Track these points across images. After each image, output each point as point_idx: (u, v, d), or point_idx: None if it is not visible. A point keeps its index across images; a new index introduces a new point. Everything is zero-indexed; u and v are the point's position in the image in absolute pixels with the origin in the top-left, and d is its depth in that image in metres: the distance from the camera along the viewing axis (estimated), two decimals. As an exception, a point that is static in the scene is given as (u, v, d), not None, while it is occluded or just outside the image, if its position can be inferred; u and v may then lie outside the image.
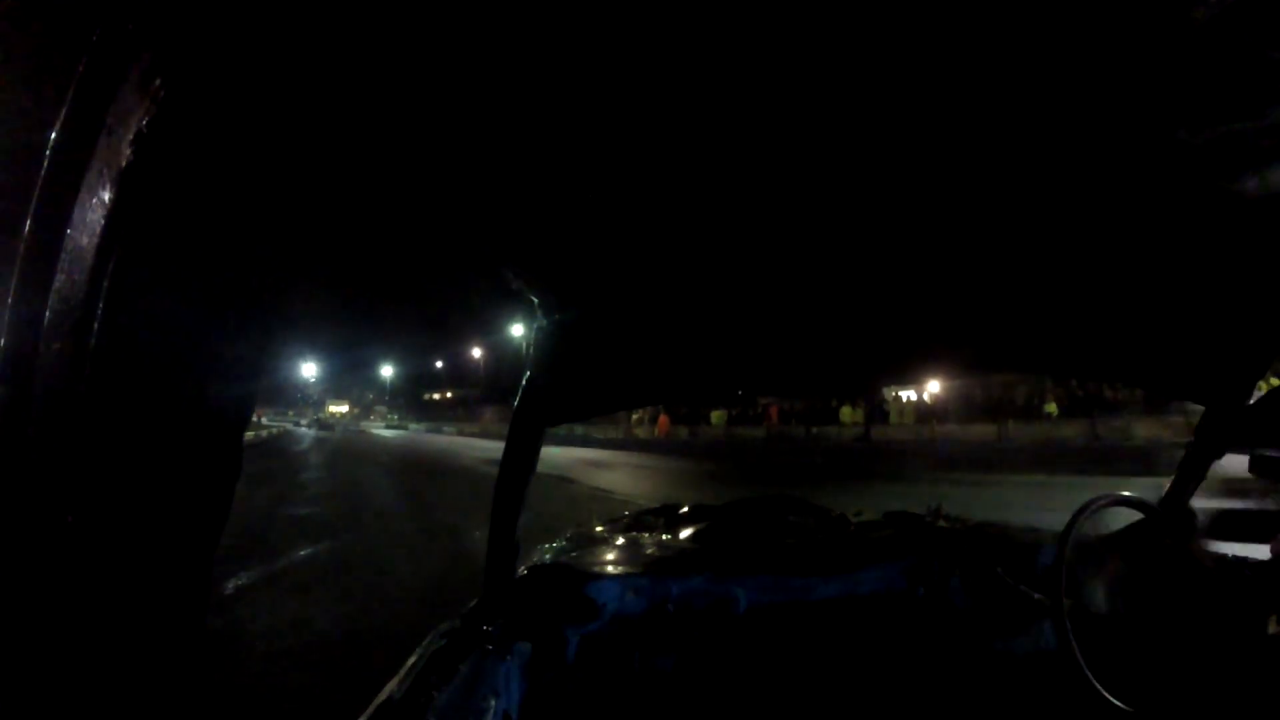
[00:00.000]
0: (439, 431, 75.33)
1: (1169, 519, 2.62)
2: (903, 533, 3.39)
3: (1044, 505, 12.56)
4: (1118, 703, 2.17)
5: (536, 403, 2.48)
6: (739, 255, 2.06)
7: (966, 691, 2.82)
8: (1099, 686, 2.18)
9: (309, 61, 0.81)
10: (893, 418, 29.58)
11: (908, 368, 3.82)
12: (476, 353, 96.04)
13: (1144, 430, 21.35)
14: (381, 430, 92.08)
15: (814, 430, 30.45)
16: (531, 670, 2.60)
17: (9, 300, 0.69)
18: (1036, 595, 2.76)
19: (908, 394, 30.78)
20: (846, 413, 30.02)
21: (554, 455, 32.68)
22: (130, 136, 0.68)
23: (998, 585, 2.89)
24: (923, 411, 29.04)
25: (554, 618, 2.73)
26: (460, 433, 66.70)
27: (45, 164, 0.69)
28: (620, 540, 3.40)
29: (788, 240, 1.97)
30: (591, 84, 1.20)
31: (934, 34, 1.10)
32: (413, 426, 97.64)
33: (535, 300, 2.24)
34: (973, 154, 1.51)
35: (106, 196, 0.69)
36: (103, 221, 0.69)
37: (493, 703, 2.28)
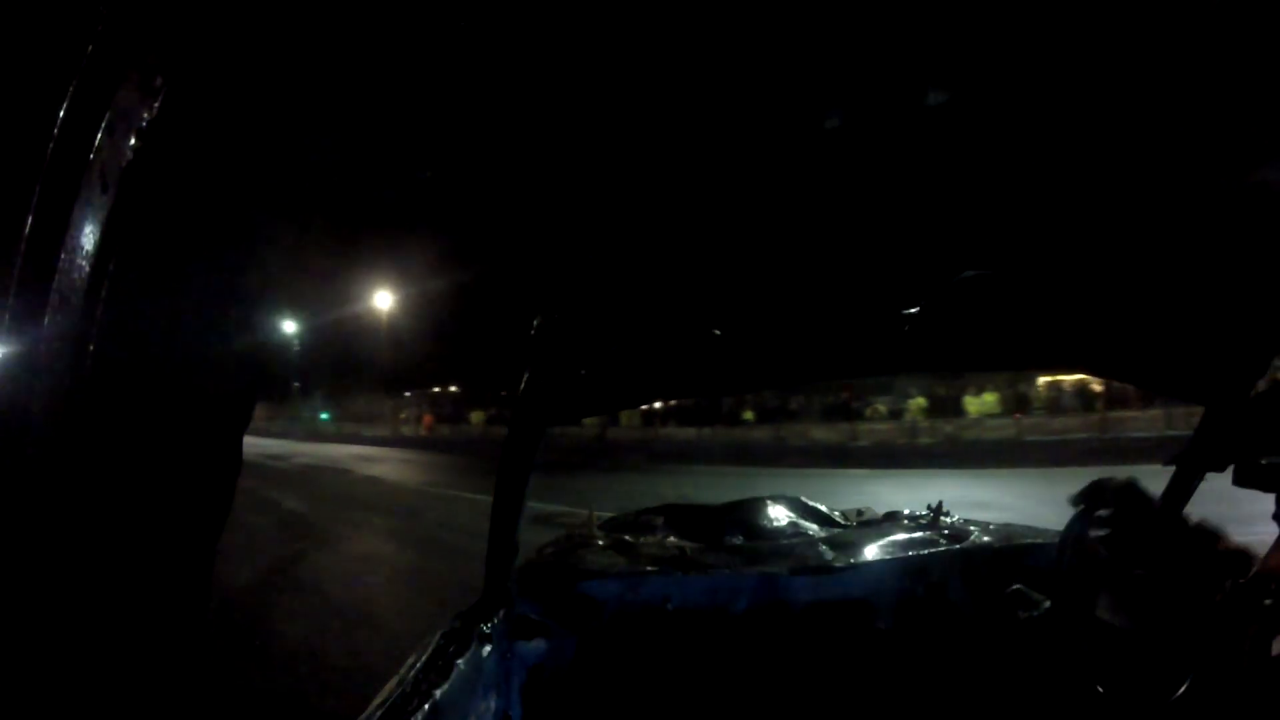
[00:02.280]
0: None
1: (1169, 519, 2.55)
2: (903, 532, 3.38)
3: (716, 486, 16.23)
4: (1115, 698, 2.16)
5: (536, 402, 2.47)
6: (739, 255, 2.01)
7: (966, 691, 2.82)
8: (1099, 685, 2.17)
9: (309, 61, 0.79)
10: (623, 420, 33.41)
11: (906, 365, 3.50)
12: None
13: (819, 434, 27.04)
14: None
15: (557, 430, 32.93)
16: (531, 670, 2.61)
17: (9, 300, 0.66)
18: (1036, 594, 2.70)
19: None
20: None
21: (329, 451, 35.11)
22: (130, 136, 0.67)
23: (997, 585, 2.85)
24: (646, 415, 32.85)
25: (554, 618, 2.74)
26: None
27: (45, 164, 0.67)
28: (620, 540, 3.39)
29: (786, 238, 1.92)
30: (594, 85, 1.15)
31: (938, 31, 1.06)
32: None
33: (535, 300, 2.19)
34: (972, 153, 1.45)
35: (106, 196, 0.67)
36: (103, 221, 0.67)
37: (493, 702, 2.29)
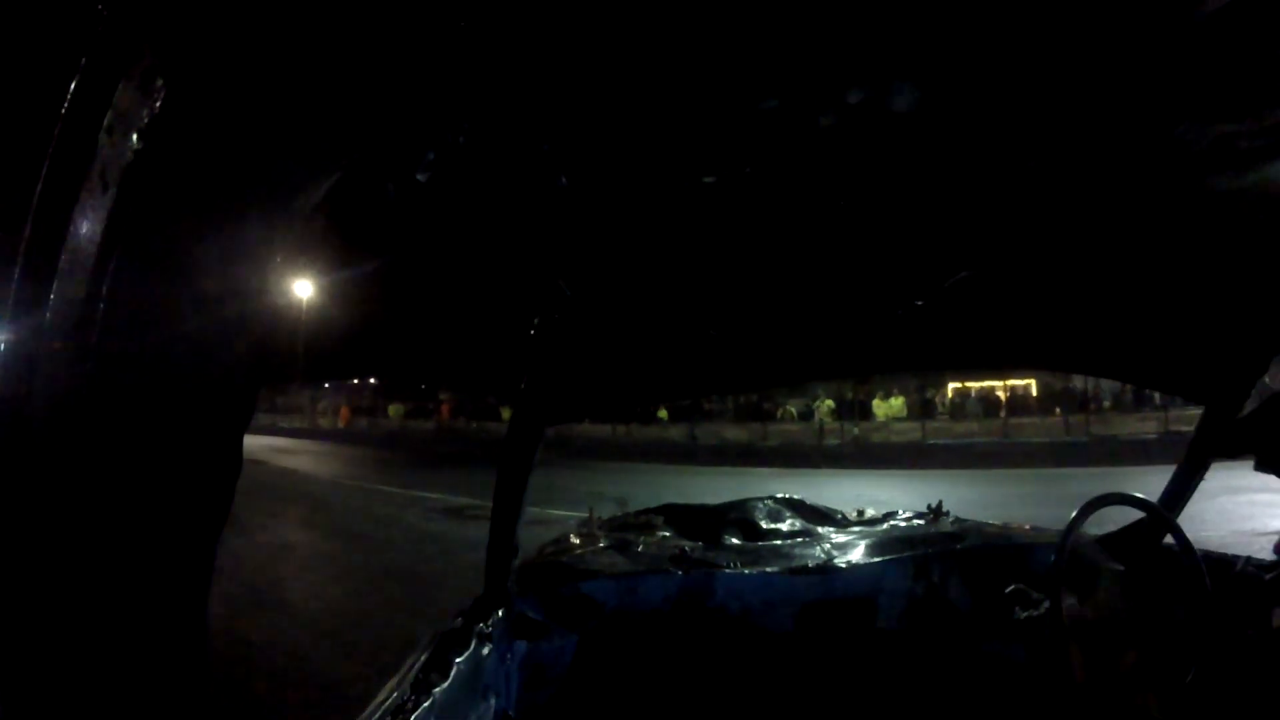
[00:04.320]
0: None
1: (1169, 518, 2.61)
2: (903, 532, 3.38)
3: (625, 483, 16.29)
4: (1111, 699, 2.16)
5: (537, 402, 2.46)
6: (738, 255, 1.98)
7: (966, 690, 2.83)
8: (1099, 684, 2.18)
9: (309, 61, 0.79)
10: None
11: (908, 362, 3.72)
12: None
13: (731, 434, 27.40)
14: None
15: (475, 425, 33.35)
16: (531, 670, 2.61)
17: (9, 300, 0.65)
18: (1036, 594, 2.68)
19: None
20: (506, 411, 32.61)
21: (245, 442, 33.78)
22: (130, 136, 0.67)
23: (997, 584, 2.83)
24: None
25: (554, 618, 2.73)
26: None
27: (45, 164, 0.66)
28: (620, 540, 3.35)
29: (784, 238, 1.88)
30: (592, 84, 1.13)
31: (935, 30, 1.05)
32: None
33: (536, 299, 2.15)
34: (972, 153, 1.44)
35: (107, 196, 0.67)
36: (103, 221, 0.67)
37: (492, 702, 2.28)
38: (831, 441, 24.77)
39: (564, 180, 1.47)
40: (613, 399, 3.32)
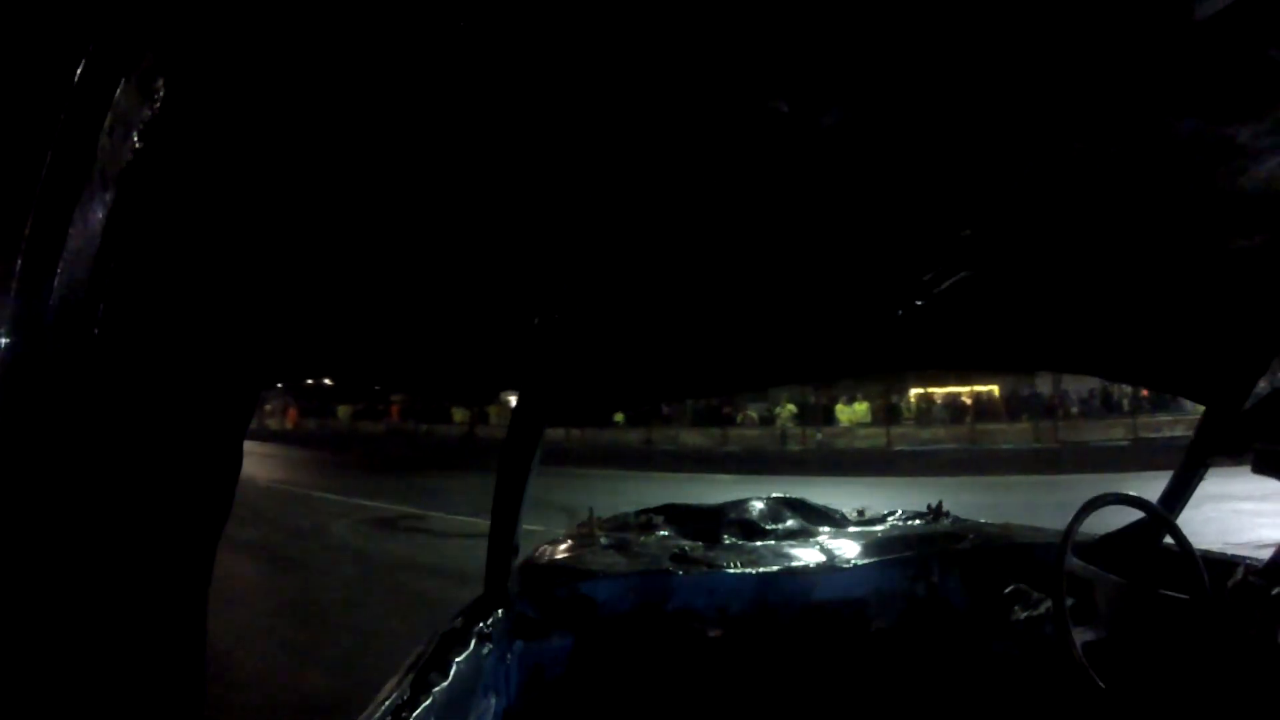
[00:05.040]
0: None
1: (1169, 518, 2.66)
2: (903, 531, 3.42)
3: (578, 489, 14.80)
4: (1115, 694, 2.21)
5: (536, 402, 2.48)
6: (737, 254, 1.97)
7: (965, 690, 2.85)
8: (1099, 683, 2.21)
9: (310, 61, 0.79)
10: (493, 418, 32.86)
11: (908, 362, 3.79)
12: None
13: (690, 438, 26.77)
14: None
15: (425, 427, 33.09)
16: (531, 670, 2.62)
17: (9, 300, 0.66)
18: (1036, 594, 2.73)
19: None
20: (457, 413, 32.78)
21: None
22: (130, 136, 0.67)
23: (997, 584, 2.87)
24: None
25: (553, 618, 2.74)
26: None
27: (46, 164, 0.67)
28: (620, 540, 3.37)
29: (783, 237, 1.88)
30: (590, 85, 1.11)
31: (931, 31, 1.04)
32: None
33: (537, 299, 2.14)
34: (972, 153, 1.44)
35: (107, 197, 0.67)
36: (103, 222, 0.67)
37: (492, 702, 2.30)
38: (793, 447, 24.53)
39: (573, 182, 1.46)
40: (613, 399, 3.35)
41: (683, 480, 18.12)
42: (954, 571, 3.09)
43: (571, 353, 2.41)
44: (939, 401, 25.60)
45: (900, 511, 3.80)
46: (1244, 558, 2.50)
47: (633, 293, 2.17)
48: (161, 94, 0.67)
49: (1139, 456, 17.92)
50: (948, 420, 24.65)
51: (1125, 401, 22.53)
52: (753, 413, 27.75)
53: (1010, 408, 24.42)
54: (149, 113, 0.67)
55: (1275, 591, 2.08)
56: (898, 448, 22.70)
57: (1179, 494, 2.83)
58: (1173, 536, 2.57)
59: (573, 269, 1.96)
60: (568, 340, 2.33)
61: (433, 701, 1.89)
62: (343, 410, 40.83)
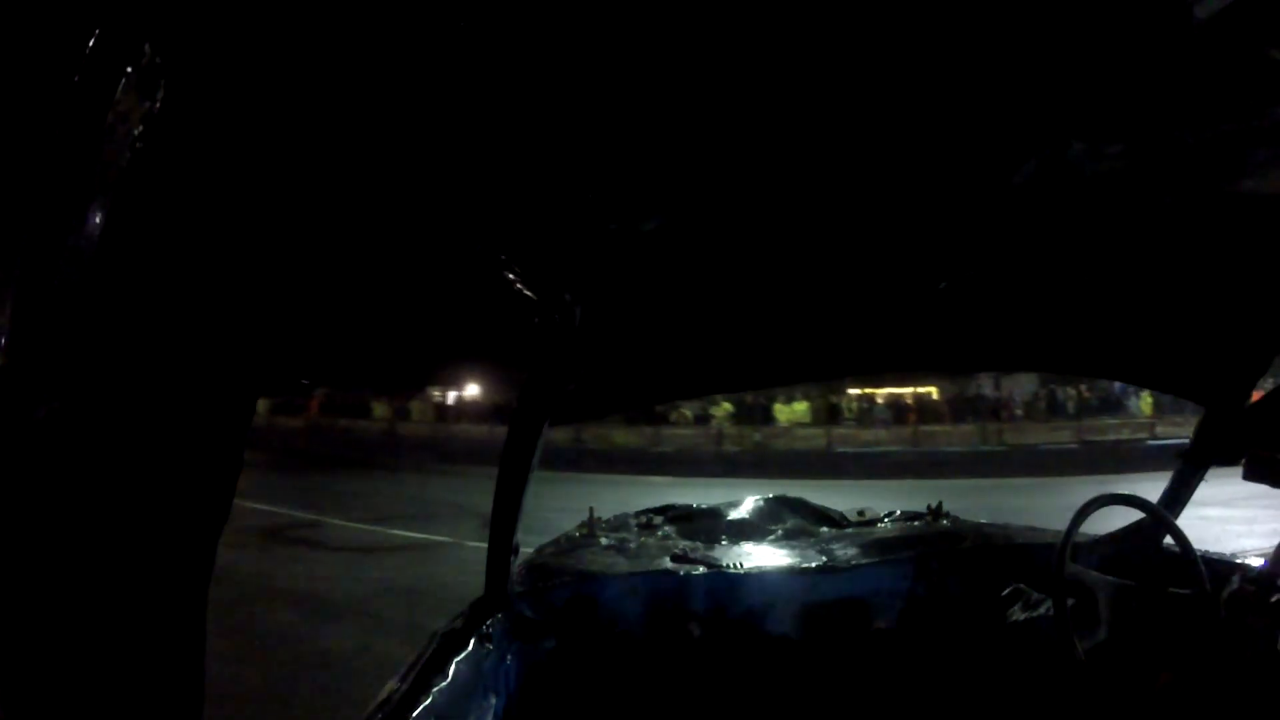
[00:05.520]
0: None
1: (1169, 519, 2.70)
2: (902, 532, 3.43)
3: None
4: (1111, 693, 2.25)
5: (538, 401, 2.45)
6: (743, 255, 1.97)
7: (965, 690, 2.85)
8: (1100, 682, 2.24)
9: (310, 62, 0.80)
10: (414, 415, 32.70)
11: (912, 362, 3.80)
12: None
13: (621, 438, 25.47)
14: None
15: (344, 422, 32.15)
16: (531, 670, 2.61)
17: (9, 300, 0.67)
18: (1036, 595, 2.75)
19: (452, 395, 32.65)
20: (378, 408, 32.47)
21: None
22: (130, 137, 0.68)
23: (997, 584, 2.90)
24: (439, 409, 32.50)
25: (553, 618, 2.74)
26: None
27: (46, 164, 0.67)
28: (620, 540, 3.37)
29: (793, 240, 1.90)
30: (591, 84, 1.14)
31: (931, 32, 1.07)
32: None
33: (537, 299, 2.14)
34: (973, 153, 1.46)
35: (106, 197, 0.68)
36: (103, 222, 0.68)
37: (493, 702, 2.29)
38: (730, 448, 23.85)
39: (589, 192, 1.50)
40: (614, 399, 3.18)
41: (612, 484, 17.43)
42: (954, 572, 3.10)
43: (572, 352, 2.37)
44: (880, 402, 25.48)
45: (900, 512, 3.82)
46: (1243, 559, 2.57)
47: (638, 292, 2.17)
48: (161, 94, 0.67)
49: (1089, 460, 18.37)
50: (890, 421, 24.51)
51: (1071, 404, 22.81)
52: (687, 411, 27.19)
53: (954, 409, 24.39)
54: (149, 113, 0.67)
55: (1275, 599, 2.08)
56: (840, 449, 22.36)
57: (1180, 495, 2.87)
58: (1173, 538, 2.60)
59: (580, 265, 1.96)
60: (571, 338, 2.28)
61: (433, 701, 1.89)
62: (261, 404, 38.84)
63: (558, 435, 26.52)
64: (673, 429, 26.26)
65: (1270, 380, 2.65)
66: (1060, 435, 21.60)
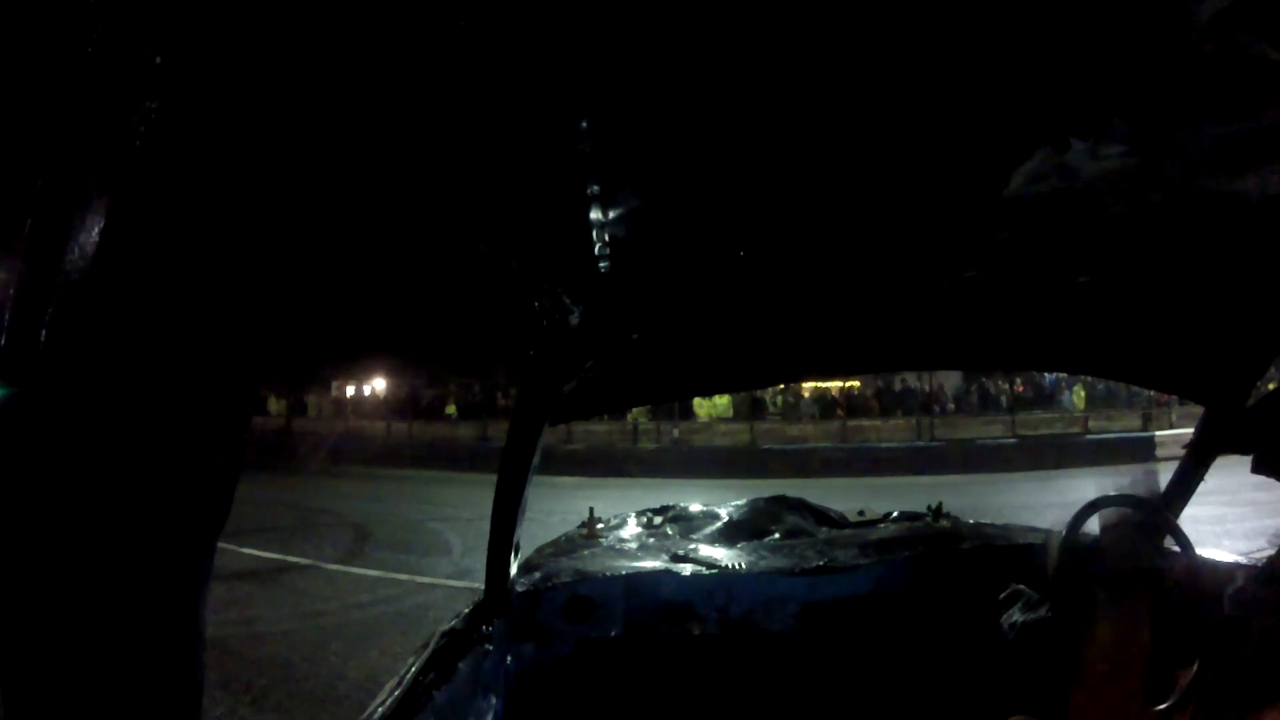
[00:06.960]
0: None
1: (1169, 518, 2.69)
2: (902, 532, 3.45)
3: (389, 496, 15.06)
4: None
5: (538, 400, 2.42)
6: (745, 255, 1.93)
7: (965, 691, 2.86)
8: (1100, 682, 2.27)
9: (311, 62, 0.80)
10: (310, 411, 32.44)
11: (912, 360, 3.92)
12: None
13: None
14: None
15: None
16: (531, 670, 2.64)
17: (9, 300, 0.66)
18: (1036, 595, 2.73)
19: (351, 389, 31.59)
20: (273, 403, 31.72)
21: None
22: (130, 137, 0.66)
23: (997, 585, 2.87)
24: (340, 406, 32.44)
25: (553, 619, 2.73)
26: None
27: (46, 165, 0.66)
28: (620, 540, 3.37)
29: (795, 242, 1.88)
30: (596, 85, 1.10)
31: (928, 35, 1.05)
32: None
33: (537, 299, 2.08)
34: (972, 152, 1.45)
35: (107, 197, 0.67)
36: (103, 222, 0.67)
37: (493, 702, 2.29)
38: (647, 445, 23.08)
39: (595, 188, 1.46)
40: (614, 398, 3.30)
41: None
42: (953, 572, 3.11)
43: (573, 351, 2.32)
44: (806, 396, 24.84)
45: (899, 512, 3.89)
46: (1242, 560, 2.63)
47: (639, 291, 2.13)
48: (162, 95, 0.68)
49: (1026, 455, 18.44)
50: (817, 416, 23.91)
51: (1004, 398, 22.86)
52: (600, 405, 25.40)
53: (884, 403, 24.02)
54: (149, 113, 0.67)
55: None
56: (765, 445, 21.76)
57: (1180, 494, 2.92)
58: (1174, 537, 2.57)
59: (588, 259, 1.88)
60: (574, 335, 2.23)
61: (433, 702, 1.90)
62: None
63: (458, 430, 26.73)
64: (585, 424, 24.93)
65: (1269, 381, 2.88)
66: (994, 430, 21.47)
